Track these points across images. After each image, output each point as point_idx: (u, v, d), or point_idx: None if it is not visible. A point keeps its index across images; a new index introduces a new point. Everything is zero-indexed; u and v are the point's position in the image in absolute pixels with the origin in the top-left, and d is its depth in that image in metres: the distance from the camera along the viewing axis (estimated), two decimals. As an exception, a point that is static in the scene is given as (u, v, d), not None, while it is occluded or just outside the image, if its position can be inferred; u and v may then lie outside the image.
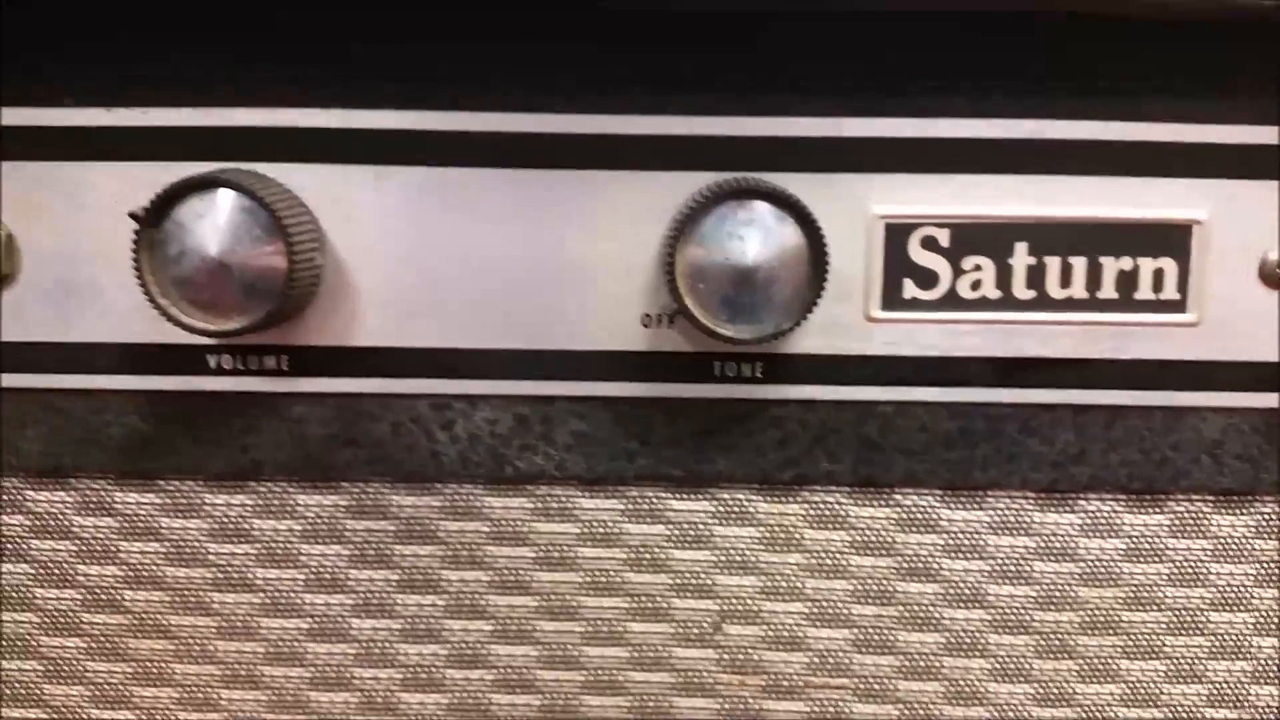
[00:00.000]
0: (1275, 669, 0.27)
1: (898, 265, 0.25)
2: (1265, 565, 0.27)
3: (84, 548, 0.27)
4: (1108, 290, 0.25)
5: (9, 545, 0.27)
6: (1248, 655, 0.27)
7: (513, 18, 0.25)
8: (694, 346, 0.26)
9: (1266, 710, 0.27)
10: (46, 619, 0.27)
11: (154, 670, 0.27)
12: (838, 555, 0.26)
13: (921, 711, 0.27)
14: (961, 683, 0.27)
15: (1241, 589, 0.26)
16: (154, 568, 0.27)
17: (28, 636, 0.27)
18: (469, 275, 0.25)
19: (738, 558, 0.27)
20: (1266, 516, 0.26)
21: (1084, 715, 0.27)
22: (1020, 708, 0.27)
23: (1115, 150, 0.25)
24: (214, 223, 0.23)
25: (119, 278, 0.25)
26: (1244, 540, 0.26)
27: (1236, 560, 0.26)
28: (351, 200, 0.25)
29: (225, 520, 0.26)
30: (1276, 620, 0.27)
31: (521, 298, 0.26)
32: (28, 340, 0.26)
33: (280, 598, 0.27)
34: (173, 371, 0.26)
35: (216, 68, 0.25)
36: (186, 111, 0.25)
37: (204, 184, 0.23)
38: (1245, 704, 0.27)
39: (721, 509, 0.26)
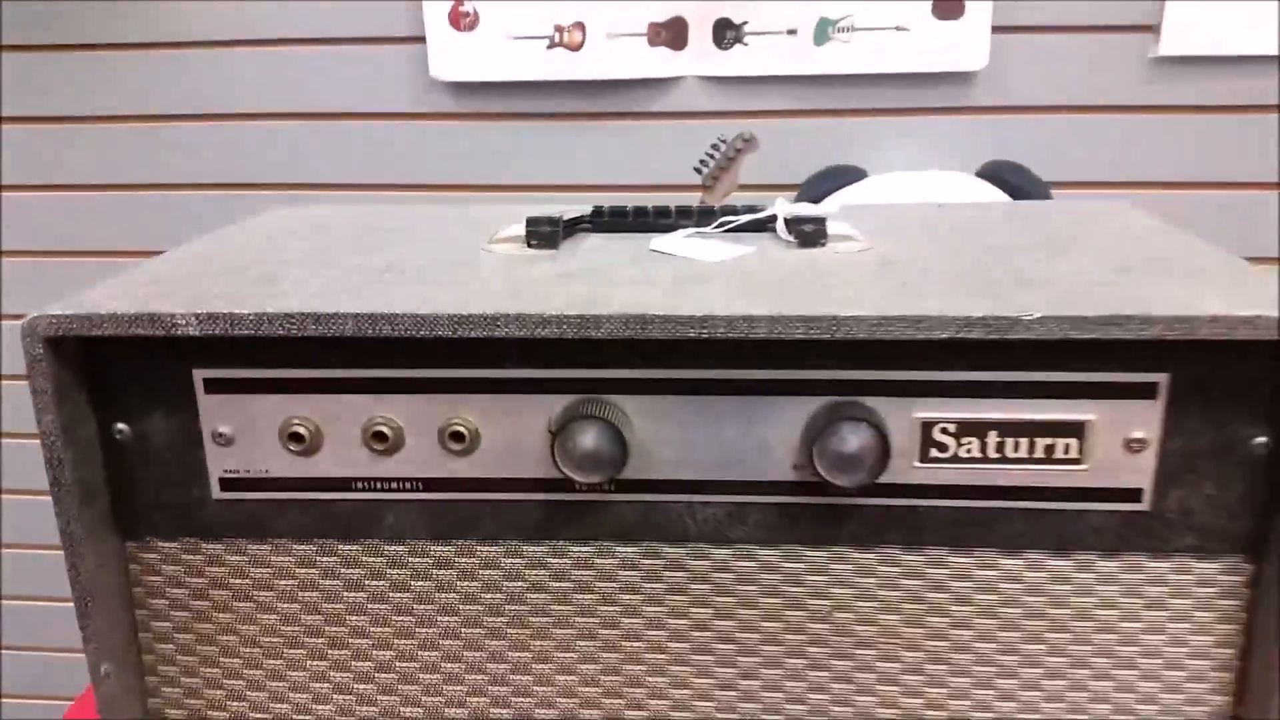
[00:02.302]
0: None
1: (927, 442, 0.49)
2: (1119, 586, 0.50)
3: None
4: (1039, 453, 0.49)
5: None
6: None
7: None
8: (818, 479, 0.50)
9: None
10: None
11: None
12: (884, 576, 0.51)
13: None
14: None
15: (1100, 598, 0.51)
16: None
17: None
18: (708, 446, 0.50)
19: (839, 578, 0.51)
20: (1123, 565, 0.50)
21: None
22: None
23: (1047, 386, 0.48)
24: (590, 436, 0.48)
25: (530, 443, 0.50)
26: (1110, 572, 0.50)
27: (1106, 583, 0.51)
28: (652, 412, 0.49)
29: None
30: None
31: (734, 456, 0.50)
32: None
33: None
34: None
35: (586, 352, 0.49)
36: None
37: (585, 414, 0.48)
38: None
39: (832, 558, 0.51)
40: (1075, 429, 0.48)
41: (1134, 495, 0.49)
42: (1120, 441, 0.48)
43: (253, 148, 1.24)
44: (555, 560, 0.52)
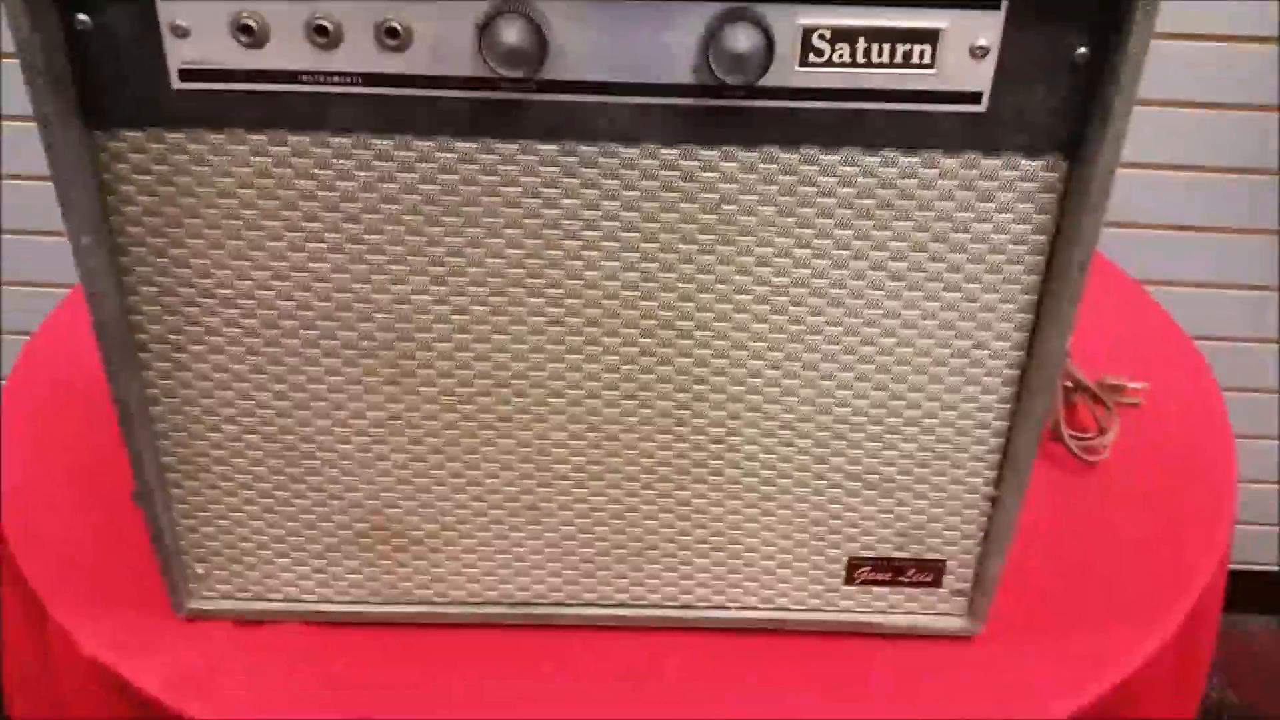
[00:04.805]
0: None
1: (807, 47, 0.57)
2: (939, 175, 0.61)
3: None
4: (898, 59, 0.57)
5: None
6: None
7: None
8: (715, 82, 0.58)
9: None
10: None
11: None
12: (764, 173, 0.60)
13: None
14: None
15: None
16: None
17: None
18: (619, 49, 0.57)
19: (727, 175, 0.60)
20: (962, 161, 0.60)
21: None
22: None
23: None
24: (514, 29, 0.54)
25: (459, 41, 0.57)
26: (951, 168, 0.60)
27: (947, 178, 0.61)
28: (570, 14, 0.56)
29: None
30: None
31: (641, 60, 0.57)
32: (417, 74, 0.58)
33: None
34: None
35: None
36: (489, -30, 0.55)
37: (510, 9, 0.54)
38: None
39: (722, 156, 0.60)
40: (930, 36, 0.57)
41: (975, 98, 0.58)
42: (966, 48, 0.57)
43: None
44: (484, 156, 0.60)
